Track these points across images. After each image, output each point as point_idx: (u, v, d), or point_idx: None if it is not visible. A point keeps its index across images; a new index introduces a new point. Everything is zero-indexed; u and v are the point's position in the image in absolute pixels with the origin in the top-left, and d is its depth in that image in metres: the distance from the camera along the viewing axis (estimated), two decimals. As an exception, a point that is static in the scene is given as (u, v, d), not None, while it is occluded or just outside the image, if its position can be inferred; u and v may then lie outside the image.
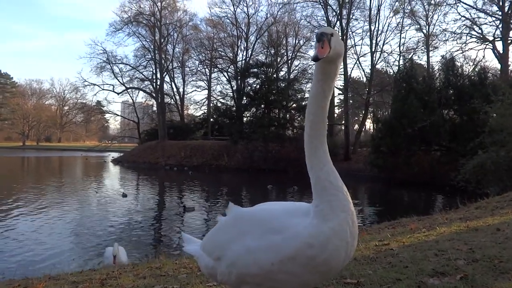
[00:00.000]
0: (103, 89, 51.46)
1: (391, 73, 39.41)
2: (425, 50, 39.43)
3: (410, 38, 57.92)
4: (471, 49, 40.37)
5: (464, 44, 34.86)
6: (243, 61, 45.30)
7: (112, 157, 50.47)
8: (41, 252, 9.77)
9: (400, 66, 33.35)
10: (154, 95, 48.94)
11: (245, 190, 25.36)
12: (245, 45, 46.31)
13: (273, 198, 20.42)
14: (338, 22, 38.27)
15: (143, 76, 49.65)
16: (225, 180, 31.01)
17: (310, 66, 46.52)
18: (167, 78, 49.81)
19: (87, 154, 61.29)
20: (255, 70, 40.66)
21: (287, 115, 39.92)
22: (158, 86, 47.60)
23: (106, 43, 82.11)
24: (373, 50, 37.86)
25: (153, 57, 47.62)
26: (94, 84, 50.76)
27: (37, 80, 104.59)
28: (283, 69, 46.39)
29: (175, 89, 51.91)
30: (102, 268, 5.18)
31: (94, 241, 11.03)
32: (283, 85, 40.28)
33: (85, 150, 70.78)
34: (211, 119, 48.18)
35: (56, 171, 37.57)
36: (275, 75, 42.19)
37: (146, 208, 16.93)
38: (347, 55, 38.91)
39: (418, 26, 39.38)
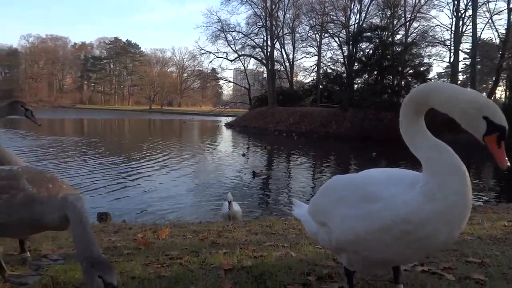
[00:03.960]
0: (218, 57, 54.17)
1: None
2: None
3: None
4: None
5: None
6: (356, 25, 43.04)
7: (219, 121, 53.38)
8: (165, 203, 10.99)
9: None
10: (264, 62, 49.78)
11: (352, 158, 24.81)
12: (358, 8, 43.80)
13: (378, 166, 19.64)
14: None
15: (254, 43, 50.73)
16: (332, 147, 30.65)
17: (432, 28, 42.29)
18: (277, 45, 50.12)
19: (193, 118, 65.92)
20: (369, 34, 38.38)
21: (402, 82, 37.23)
22: (268, 53, 48.21)
23: (220, 12, 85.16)
24: (511, 6, 32.59)
25: (264, 24, 48.09)
26: (210, 52, 53.63)
27: (161, 49, 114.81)
28: (399, 32, 42.93)
29: (285, 56, 52.04)
30: (219, 222, 5.63)
31: (210, 196, 12.01)
32: (399, 49, 37.43)
33: (200, 114, 76.15)
34: (320, 86, 47.43)
35: (177, 132, 41.27)
36: (390, 39, 39.31)
37: (255, 169, 17.72)
38: (477, 13, 34.25)
39: None
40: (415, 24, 43.16)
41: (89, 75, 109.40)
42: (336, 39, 46.88)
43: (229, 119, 54.65)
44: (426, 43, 40.65)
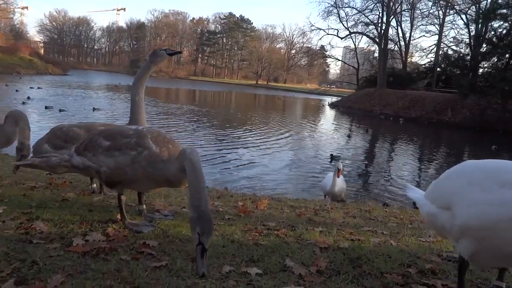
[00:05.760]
0: (328, 34, 52.95)
1: None
2: None
3: None
4: None
5: None
6: (489, 0, 38.03)
7: (323, 100, 52.44)
8: (263, 176, 11.35)
9: None
10: (377, 40, 47.10)
11: (466, 150, 22.52)
12: (494, -20, 38.49)
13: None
14: None
15: (368, 20, 48.16)
16: (444, 137, 28.20)
17: None
18: (393, 22, 46.79)
19: (293, 95, 65.81)
20: (504, 11, 33.62)
21: (541, 68, 32.15)
22: (382, 31, 45.43)
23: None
24: None
25: (381, -1, 45.23)
26: (320, 29, 52.93)
27: (271, 25, 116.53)
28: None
29: (400, 34, 48.39)
30: (316, 200, 5.63)
31: (306, 174, 12.07)
32: (542, 29, 32.23)
33: (305, 92, 75.96)
34: (438, 69, 43.37)
35: (280, 108, 41.81)
36: (532, 17, 34.00)
37: (355, 152, 17.22)
38: None
39: None
40: None
41: (203, 49, 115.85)
42: (463, 16, 41.90)
43: (334, 98, 53.49)
44: None
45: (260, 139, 17.95)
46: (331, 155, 14.81)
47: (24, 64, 58.77)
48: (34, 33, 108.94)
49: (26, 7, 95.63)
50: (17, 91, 28.42)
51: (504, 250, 1.75)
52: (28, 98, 24.35)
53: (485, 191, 1.75)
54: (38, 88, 33.28)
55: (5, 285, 1.80)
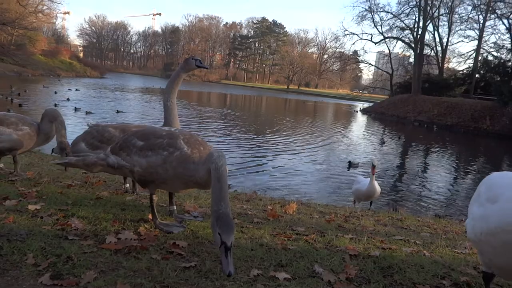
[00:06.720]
0: (361, 38, 52.09)
1: None
2: None
3: None
4: None
5: None
6: (534, 4, 36.37)
7: (355, 105, 51.54)
8: (293, 180, 11.28)
9: None
10: (412, 45, 45.98)
11: (505, 160, 21.51)
12: (540, -17, 36.83)
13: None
14: None
15: (403, 25, 47.13)
16: (482, 146, 27.04)
17: None
18: (430, 27, 45.57)
19: (323, 100, 65.10)
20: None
21: None
22: (418, 36, 44.28)
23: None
24: None
25: (417, 3, 44.09)
26: (353, 33, 51.84)
27: (304, 30, 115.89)
28: None
29: (437, 39, 47.04)
30: (346, 207, 5.54)
31: (336, 179, 11.89)
32: None
33: (336, 98, 75.14)
34: (477, 75, 41.76)
35: (311, 114, 41.52)
36: None
37: (387, 159, 16.82)
38: None
39: None
40: None
41: (235, 53, 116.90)
42: (505, 21, 40.33)
43: (365, 104, 52.62)
44: None
45: (289, 144, 17.87)
46: (349, 162, 14.25)
47: (64, 67, 61.31)
48: (74, 37, 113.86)
49: (68, 12, 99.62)
50: (55, 93, 29.65)
51: (497, 263, 1.77)
52: (68, 99, 25.34)
53: (479, 206, 1.83)
54: (76, 90, 34.62)
55: (41, 279, 1.87)
